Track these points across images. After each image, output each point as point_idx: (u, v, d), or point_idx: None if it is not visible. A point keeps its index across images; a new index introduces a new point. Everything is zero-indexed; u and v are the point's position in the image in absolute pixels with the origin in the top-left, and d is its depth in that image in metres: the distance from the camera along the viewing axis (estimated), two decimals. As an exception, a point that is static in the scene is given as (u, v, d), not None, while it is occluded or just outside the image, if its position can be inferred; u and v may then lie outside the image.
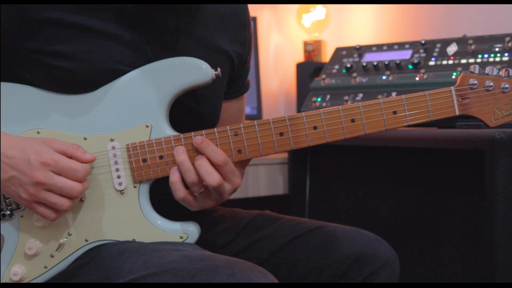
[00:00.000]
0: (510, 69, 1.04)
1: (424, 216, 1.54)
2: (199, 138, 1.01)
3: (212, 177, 0.99)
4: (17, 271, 1.01)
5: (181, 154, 1.01)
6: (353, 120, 1.03)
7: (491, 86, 1.03)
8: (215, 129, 1.03)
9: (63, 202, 0.97)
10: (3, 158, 0.95)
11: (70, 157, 0.98)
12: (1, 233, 1.03)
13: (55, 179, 0.95)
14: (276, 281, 0.93)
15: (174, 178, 1.01)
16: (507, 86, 1.03)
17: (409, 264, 1.55)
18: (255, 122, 1.03)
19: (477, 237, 1.39)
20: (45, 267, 1.03)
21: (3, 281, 1.02)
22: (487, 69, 1.04)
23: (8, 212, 1.02)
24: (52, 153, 0.96)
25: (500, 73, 1.04)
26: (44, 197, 0.96)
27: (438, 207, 1.51)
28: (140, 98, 1.04)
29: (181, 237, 1.03)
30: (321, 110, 1.03)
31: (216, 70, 1.04)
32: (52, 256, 1.03)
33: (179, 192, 1.01)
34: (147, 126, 1.04)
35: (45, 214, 0.97)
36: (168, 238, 1.03)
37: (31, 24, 1.01)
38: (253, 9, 2.58)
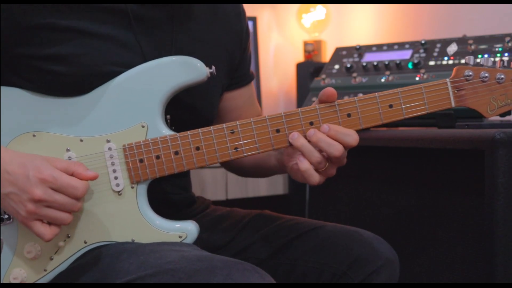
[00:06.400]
0: (504, 60, 1.03)
1: (424, 216, 1.53)
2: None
3: (336, 148, 0.98)
4: (16, 275, 1.01)
5: (298, 139, 1.00)
6: (349, 115, 1.03)
7: (486, 77, 1.02)
8: (211, 127, 1.02)
9: (65, 217, 0.95)
10: (2, 173, 0.93)
11: (72, 174, 0.96)
12: (0, 237, 1.02)
13: (55, 196, 0.94)
14: (273, 281, 0.92)
15: (305, 165, 0.99)
16: (502, 76, 1.02)
17: (409, 264, 1.54)
18: (251, 119, 1.02)
19: (477, 237, 1.39)
20: (45, 270, 1.02)
21: (2, 284, 1.02)
22: (482, 60, 1.03)
23: (7, 216, 1.02)
24: (52, 170, 0.94)
25: (495, 63, 1.03)
26: (45, 213, 0.94)
27: (438, 207, 1.50)
28: (135, 99, 1.03)
29: (180, 237, 1.03)
30: (316, 105, 1.03)
31: (210, 68, 1.04)
32: (51, 259, 1.02)
33: (315, 177, 1.00)
34: (143, 126, 1.03)
35: (40, 233, 0.95)
36: (167, 237, 1.03)
37: (24, 31, 1.01)
38: (253, 9, 2.58)
